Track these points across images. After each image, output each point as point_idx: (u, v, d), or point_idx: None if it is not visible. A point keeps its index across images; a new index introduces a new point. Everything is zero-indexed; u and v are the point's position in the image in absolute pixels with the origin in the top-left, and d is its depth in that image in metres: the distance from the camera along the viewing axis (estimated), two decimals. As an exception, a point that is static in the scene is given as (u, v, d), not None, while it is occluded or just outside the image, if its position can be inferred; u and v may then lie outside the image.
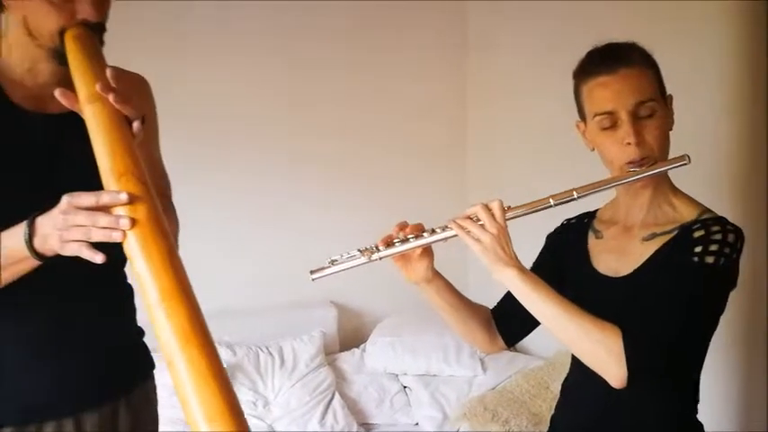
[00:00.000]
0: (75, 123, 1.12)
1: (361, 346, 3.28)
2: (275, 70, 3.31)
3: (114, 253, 0.97)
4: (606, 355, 1.11)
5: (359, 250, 1.26)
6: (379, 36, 3.47)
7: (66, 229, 0.98)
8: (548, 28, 2.96)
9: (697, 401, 1.31)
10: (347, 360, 3.19)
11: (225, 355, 2.90)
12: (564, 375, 1.47)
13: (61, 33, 1.15)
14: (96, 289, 1.30)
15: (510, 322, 1.43)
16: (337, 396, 2.87)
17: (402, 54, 3.50)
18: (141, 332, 1.45)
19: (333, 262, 1.27)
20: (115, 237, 0.95)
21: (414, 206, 3.28)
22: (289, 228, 3.37)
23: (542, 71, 2.97)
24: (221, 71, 3.21)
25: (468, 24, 3.59)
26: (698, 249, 1.16)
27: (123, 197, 0.95)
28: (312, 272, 1.26)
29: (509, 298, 1.37)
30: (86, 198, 0.97)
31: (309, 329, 3.19)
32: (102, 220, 0.95)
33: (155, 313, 0.90)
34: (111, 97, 1.05)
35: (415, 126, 3.57)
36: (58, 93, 1.09)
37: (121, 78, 1.10)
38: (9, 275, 1.09)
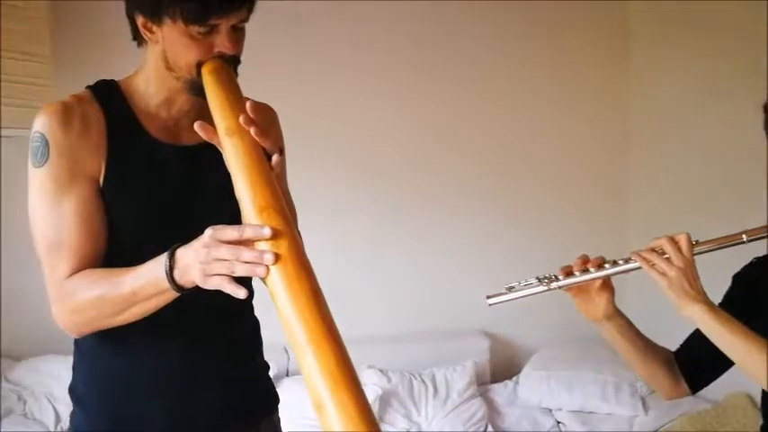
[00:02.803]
0: (206, 155, 1.14)
1: (514, 378, 3.24)
2: (425, 103, 3.36)
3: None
4: None
5: (537, 278, 1.24)
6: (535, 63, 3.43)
7: (209, 262, 0.96)
8: (717, 49, 2.81)
9: None
10: (500, 392, 3.17)
11: (379, 380, 2.95)
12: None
13: (198, 66, 1.15)
14: (227, 321, 1.29)
15: (696, 365, 1.34)
16: (490, 428, 2.86)
17: (560, 81, 3.44)
18: (267, 366, 1.44)
19: (510, 288, 1.26)
20: (259, 272, 0.92)
21: (571, 242, 3.23)
22: (444, 258, 3.41)
23: (711, 95, 2.82)
24: (367, 99, 3.29)
25: (631, 44, 3.45)
26: None
27: (267, 232, 0.93)
28: (488, 297, 1.26)
29: (695, 339, 1.30)
30: (230, 232, 0.95)
31: (461, 359, 3.20)
32: (246, 254, 0.93)
33: (302, 355, 0.87)
34: (252, 130, 1.03)
35: (574, 158, 3.49)
36: (197, 125, 1.08)
37: (258, 110, 1.07)
38: (149, 307, 1.08)
